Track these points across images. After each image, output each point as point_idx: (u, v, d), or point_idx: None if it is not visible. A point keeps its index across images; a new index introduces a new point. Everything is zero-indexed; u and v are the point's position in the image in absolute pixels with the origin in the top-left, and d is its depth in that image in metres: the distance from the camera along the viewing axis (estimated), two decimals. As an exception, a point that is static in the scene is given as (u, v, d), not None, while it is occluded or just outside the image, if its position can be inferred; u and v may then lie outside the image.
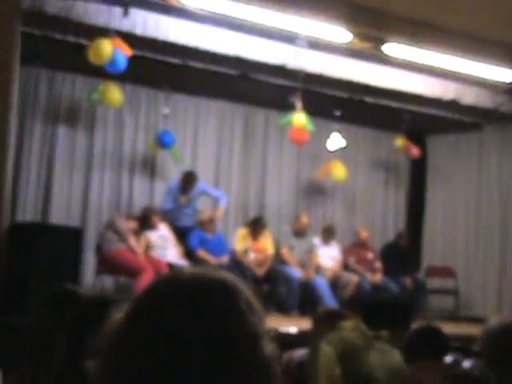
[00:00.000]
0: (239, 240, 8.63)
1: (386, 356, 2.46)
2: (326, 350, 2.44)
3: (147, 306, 1.03)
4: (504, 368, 2.20)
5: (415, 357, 2.63)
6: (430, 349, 2.81)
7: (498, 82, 8.29)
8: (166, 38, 6.98)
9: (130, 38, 6.74)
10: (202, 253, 8.30)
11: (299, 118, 8.19)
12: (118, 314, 1.05)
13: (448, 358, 2.55)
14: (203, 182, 8.77)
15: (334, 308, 4.14)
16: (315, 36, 7.08)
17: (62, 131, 8.60)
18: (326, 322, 2.90)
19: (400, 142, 9.71)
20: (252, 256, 8.52)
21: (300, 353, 3.33)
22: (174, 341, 0.98)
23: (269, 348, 1.03)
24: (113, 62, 6.63)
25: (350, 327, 2.44)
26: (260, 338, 1.02)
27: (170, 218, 8.53)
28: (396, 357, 2.62)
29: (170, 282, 1.06)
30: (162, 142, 8.57)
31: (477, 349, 2.42)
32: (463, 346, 2.45)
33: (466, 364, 2.28)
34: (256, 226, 8.68)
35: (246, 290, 1.06)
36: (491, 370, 2.16)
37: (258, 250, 8.60)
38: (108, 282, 8.21)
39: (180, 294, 1.03)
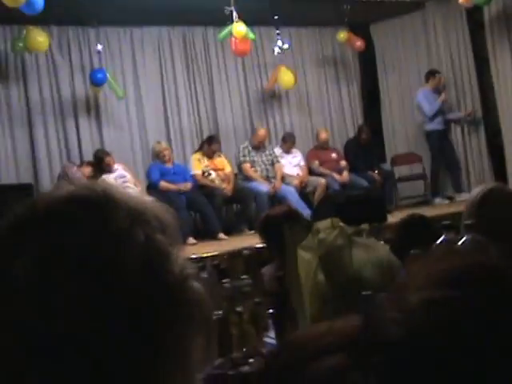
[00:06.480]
0: (195, 164, 8.41)
1: (371, 251, 2.27)
2: (304, 256, 2.24)
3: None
4: (503, 230, 2.03)
5: (405, 248, 2.45)
6: (419, 237, 2.63)
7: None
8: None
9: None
10: (164, 184, 8.05)
11: (239, 29, 7.87)
12: None
13: (439, 241, 2.38)
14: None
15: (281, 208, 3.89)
16: None
17: (-7, 88, 8.15)
18: (298, 225, 2.70)
19: (342, 35, 9.44)
20: (213, 176, 8.32)
21: (269, 267, 3.11)
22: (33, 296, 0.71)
23: (178, 264, 0.76)
24: (28, 2, 6.18)
25: (326, 227, 2.24)
26: (157, 254, 0.75)
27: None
28: (383, 250, 2.42)
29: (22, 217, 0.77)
30: (95, 80, 8.21)
31: (467, 222, 2.24)
32: (452, 223, 2.26)
33: (461, 242, 2.10)
34: (208, 145, 8.46)
35: (126, 197, 0.81)
36: (489, 237, 1.97)
37: (217, 169, 8.40)
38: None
39: (36, 227, 0.75)
